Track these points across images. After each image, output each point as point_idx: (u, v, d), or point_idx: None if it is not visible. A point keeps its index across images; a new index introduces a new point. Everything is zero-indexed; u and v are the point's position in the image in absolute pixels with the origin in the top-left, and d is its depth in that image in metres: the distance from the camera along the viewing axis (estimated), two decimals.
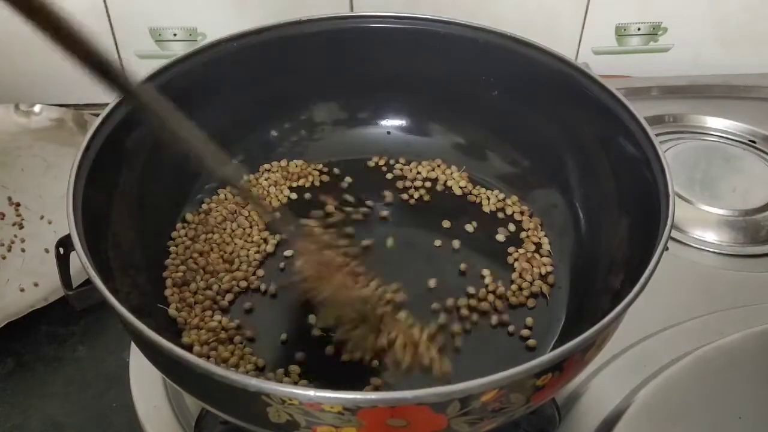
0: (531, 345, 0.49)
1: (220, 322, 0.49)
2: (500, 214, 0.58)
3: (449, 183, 0.61)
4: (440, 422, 0.34)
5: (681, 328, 0.55)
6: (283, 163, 0.61)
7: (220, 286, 0.52)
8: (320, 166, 0.62)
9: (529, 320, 0.50)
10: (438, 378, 0.40)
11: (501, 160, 0.61)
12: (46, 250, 0.64)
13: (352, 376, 0.46)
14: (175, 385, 0.40)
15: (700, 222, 0.65)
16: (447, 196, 0.60)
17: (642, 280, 0.38)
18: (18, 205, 0.69)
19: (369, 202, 0.59)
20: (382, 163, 0.63)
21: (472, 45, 0.57)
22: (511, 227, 0.57)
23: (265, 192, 0.59)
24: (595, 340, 0.37)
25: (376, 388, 0.45)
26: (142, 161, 0.52)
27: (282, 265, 0.54)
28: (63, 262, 0.44)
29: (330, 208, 0.57)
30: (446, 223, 0.57)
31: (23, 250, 0.65)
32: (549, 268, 0.53)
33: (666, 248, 0.40)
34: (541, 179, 0.59)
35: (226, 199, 0.58)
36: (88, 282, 0.39)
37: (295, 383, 0.46)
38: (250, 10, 0.77)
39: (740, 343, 0.51)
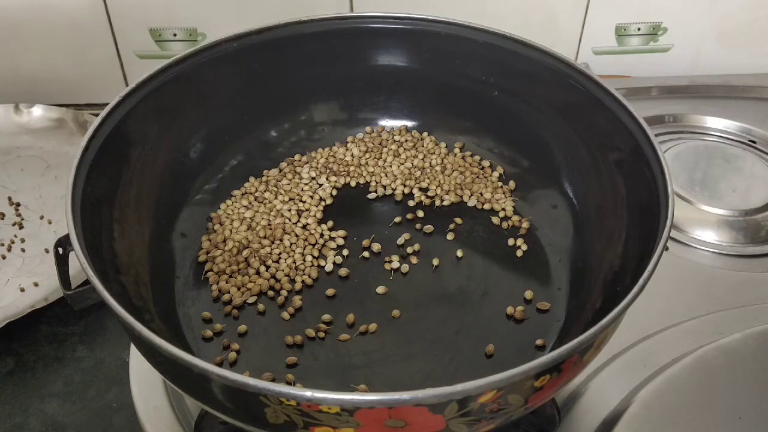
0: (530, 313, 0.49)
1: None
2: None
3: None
4: (438, 423, 0.34)
5: (681, 328, 0.55)
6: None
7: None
8: None
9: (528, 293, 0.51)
10: None
11: (501, 160, 0.61)
12: (46, 250, 0.64)
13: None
14: (173, 385, 0.40)
15: (700, 222, 0.65)
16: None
17: (642, 280, 0.38)
18: (18, 205, 0.69)
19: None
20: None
21: (472, 45, 0.57)
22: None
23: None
24: (594, 341, 0.37)
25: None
26: (142, 161, 0.52)
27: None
28: (62, 262, 0.44)
29: None
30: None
31: (23, 250, 0.65)
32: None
33: (666, 248, 0.40)
34: (541, 179, 0.58)
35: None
36: (87, 282, 0.39)
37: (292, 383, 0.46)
38: (250, 10, 0.77)
39: (740, 343, 0.51)
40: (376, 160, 0.62)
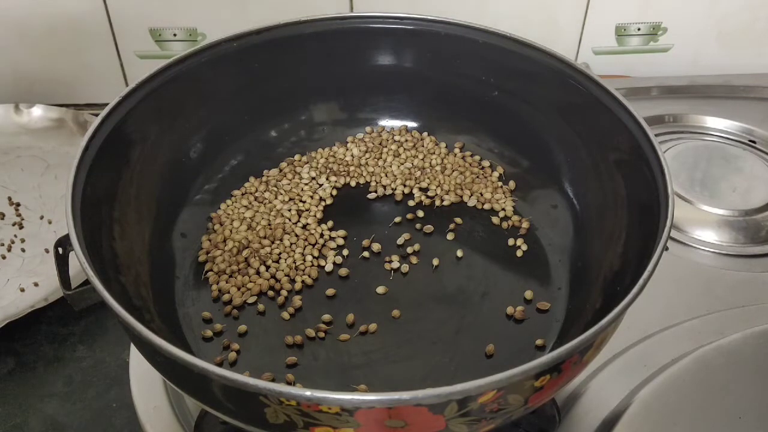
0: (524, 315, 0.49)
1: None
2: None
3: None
4: (438, 423, 0.34)
5: (681, 328, 0.55)
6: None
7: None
8: None
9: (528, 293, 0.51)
10: None
11: (501, 160, 0.61)
12: (46, 250, 0.64)
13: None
14: (173, 385, 0.40)
15: (700, 222, 0.65)
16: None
17: (642, 280, 0.38)
18: (18, 205, 0.69)
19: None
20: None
21: (472, 45, 0.57)
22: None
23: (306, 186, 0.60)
24: (594, 341, 0.37)
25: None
26: (142, 161, 0.52)
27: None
28: (62, 262, 0.44)
29: None
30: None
31: (23, 250, 0.65)
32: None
33: (666, 248, 0.40)
34: (541, 179, 0.58)
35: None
36: (87, 282, 0.39)
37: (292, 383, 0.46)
38: (250, 10, 0.77)
39: (740, 343, 0.51)
40: (376, 160, 0.62)
